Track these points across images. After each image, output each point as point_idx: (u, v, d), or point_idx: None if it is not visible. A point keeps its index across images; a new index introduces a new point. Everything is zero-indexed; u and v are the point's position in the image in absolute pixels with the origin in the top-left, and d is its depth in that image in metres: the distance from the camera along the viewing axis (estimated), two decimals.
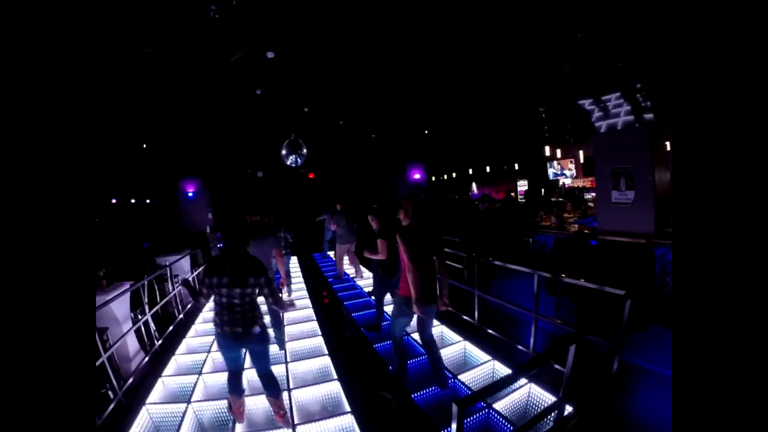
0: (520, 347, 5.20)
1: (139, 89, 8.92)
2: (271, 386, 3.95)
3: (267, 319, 5.65)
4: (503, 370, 4.82)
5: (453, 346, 5.55)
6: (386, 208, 6.47)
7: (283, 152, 10.76)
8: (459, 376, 4.65)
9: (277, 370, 4.91)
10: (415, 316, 4.36)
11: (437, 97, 11.32)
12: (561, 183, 18.19)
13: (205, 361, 5.50)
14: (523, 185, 20.56)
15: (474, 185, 23.78)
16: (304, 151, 10.68)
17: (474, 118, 14.59)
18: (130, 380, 5.03)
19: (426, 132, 15.90)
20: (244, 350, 4.14)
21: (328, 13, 6.24)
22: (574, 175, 17.52)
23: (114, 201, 19.57)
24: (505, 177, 21.66)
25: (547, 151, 17.31)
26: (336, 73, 8.96)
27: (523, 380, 4.31)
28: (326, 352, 5.51)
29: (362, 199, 16.12)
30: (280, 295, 4.07)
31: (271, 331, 4.63)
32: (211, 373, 5.20)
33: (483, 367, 4.96)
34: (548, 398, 4.12)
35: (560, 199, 14.94)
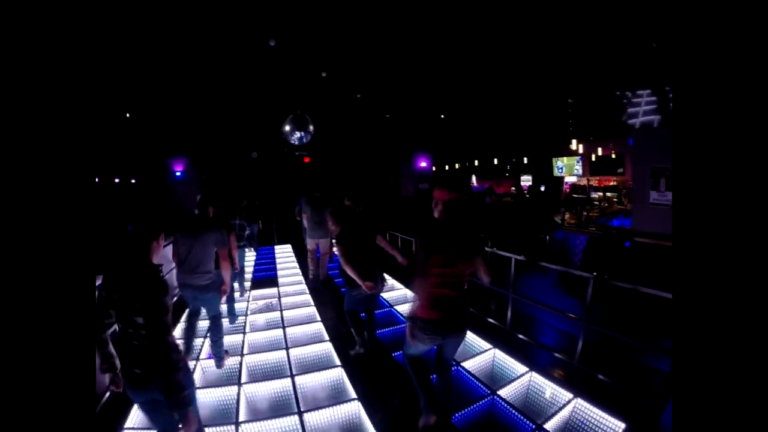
0: (557, 355, 4.68)
1: (121, 44, 8.00)
2: None
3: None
4: (545, 384, 4.15)
5: (481, 355, 4.81)
6: (349, 199, 4.99)
7: (287, 128, 9.52)
8: (499, 392, 3.96)
9: (282, 384, 4.24)
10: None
11: (464, 75, 10.56)
12: (565, 180, 17.73)
13: (193, 370, 4.48)
14: (527, 180, 19.91)
15: (474, 178, 23.09)
16: (311, 127, 9.48)
17: (496, 105, 13.93)
18: (104, 399, 3.98)
19: (442, 116, 15.12)
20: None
21: None
22: (581, 173, 17.13)
23: (96, 180, 18.24)
24: (506, 171, 21.14)
25: (574, 145, 16.64)
26: (355, 38, 8.14)
27: (569, 395, 3.84)
28: (338, 363, 4.67)
29: (361, 187, 15.39)
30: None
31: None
32: (203, 388, 4.22)
33: (521, 380, 4.30)
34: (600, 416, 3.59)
35: (581, 196, 14.33)
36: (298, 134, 9.42)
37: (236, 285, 6.84)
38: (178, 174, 14.14)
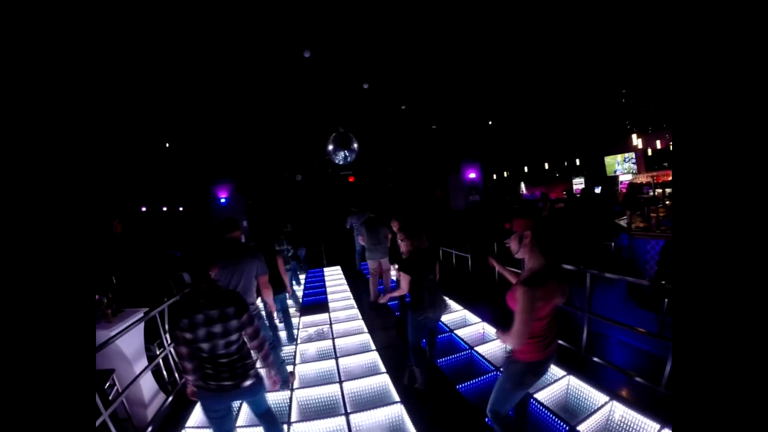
0: (638, 379, 4.05)
1: (165, 75, 8.02)
2: (272, 426, 3.23)
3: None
4: (631, 416, 3.54)
5: (555, 384, 4.21)
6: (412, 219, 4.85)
7: (330, 147, 9.27)
8: (578, 427, 3.41)
9: (336, 423, 3.86)
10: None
11: (509, 75, 10.10)
12: (620, 180, 17.07)
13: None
14: (579, 183, 18.99)
15: (522, 185, 22.29)
16: (355, 145, 9.20)
17: (544, 103, 13.34)
18: (169, 398, 4.31)
19: (489, 123, 14.60)
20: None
21: None
22: (635, 170, 16.16)
23: (144, 209, 18.59)
24: (556, 176, 20.32)
25: (634, 140, 15.64)
26: (396, 47, 7.88)
27: (656, 425, 3.31)
28: (396, 399, 4.21)
29: (408, 203, 15.07)
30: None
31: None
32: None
33: (602, 411, 3.68)
34: None
35: (647, 195, 13.38)
36: (342, 153, 9.17)
37: (292, 310, 6.68)
38: (222, 200, 14.20)
